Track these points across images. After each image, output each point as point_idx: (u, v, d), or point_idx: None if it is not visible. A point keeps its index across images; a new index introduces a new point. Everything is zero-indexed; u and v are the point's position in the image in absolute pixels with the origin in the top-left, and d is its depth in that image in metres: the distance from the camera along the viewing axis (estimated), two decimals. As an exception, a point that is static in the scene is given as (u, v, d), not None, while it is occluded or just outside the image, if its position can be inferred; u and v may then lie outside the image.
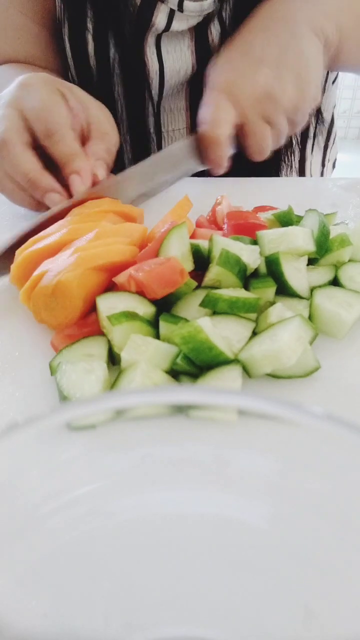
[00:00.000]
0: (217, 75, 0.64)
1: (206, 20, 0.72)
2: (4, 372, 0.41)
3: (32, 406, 0.39)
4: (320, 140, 0.87)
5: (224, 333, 0.40)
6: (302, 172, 0.88)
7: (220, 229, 0.54)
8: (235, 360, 0.38)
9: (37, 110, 0.58)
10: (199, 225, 0.55)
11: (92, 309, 0.44)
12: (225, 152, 0.63)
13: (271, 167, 0.78)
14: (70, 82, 0.79)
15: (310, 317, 0.43)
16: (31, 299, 0.44)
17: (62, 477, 0.23)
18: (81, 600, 0.22)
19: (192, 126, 0.80)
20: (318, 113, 0.83)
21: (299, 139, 0.83)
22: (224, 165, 0.65)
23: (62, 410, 0.20)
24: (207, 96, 0.63)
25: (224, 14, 0.72)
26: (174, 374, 0.39)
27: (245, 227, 0.50)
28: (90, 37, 0.73)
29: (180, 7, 0.69)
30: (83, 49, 0.74)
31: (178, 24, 0.71)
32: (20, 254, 0.48)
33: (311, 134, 0.84)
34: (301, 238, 0.46)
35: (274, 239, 0.46)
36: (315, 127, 0.84)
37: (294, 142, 0.82)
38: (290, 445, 0.22)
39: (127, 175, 0.62)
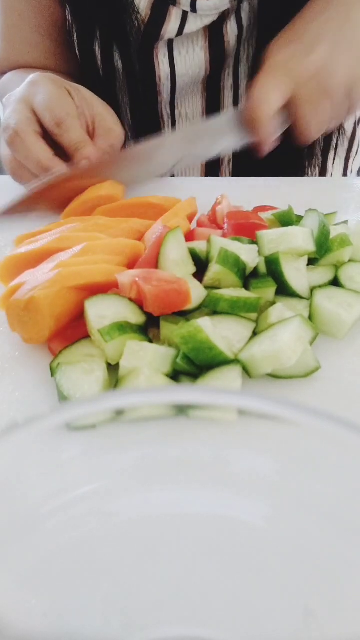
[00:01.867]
0: (271, 54, 0.64)
1: (221, 20, 0.71)
2: (4, 372, 0.41)
3: (32, 406, 0.39)
4: (342, 151, 0.87)
5: (224, 333, 0.40)
6: None
7: (220, 228, 0.54)
8: (235, 361, 0.38)
9: (45, 102, 0.60)
10: (199, 224, 0.55)
11: (69, 324, 0.43)
12: (270, 129, 0.62)
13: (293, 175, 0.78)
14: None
15: (310, 318, 0.43)
16: (6, 308, 0.43)
17: (62, 477, 0.23)
18: (81, 600, 0.22)
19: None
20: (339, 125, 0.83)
21: (321, 147, 0.82)
22: (269, 142, 0.64)
23: (62, 410, 0.20)
24: (260, 74, 0.63)
25: (242, 14, 0.71)
26: (174, 374, 0.39)
27: (245, 227, 0.50)
28: (98, 48, 0.74)
29: (194, 7, 0.69)
30: (92, 59, 0.75)
31: (191, 26, 0.71)
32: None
33: (333, 146, 0.83)
34: (301, 238, 0.46)
35: (274, 239, 0.46)
36: (337, 139, 0.83)
37: (317, 151, 0.81)
38: (290, 445, 0.22)
39: (159, 142, 0.62)
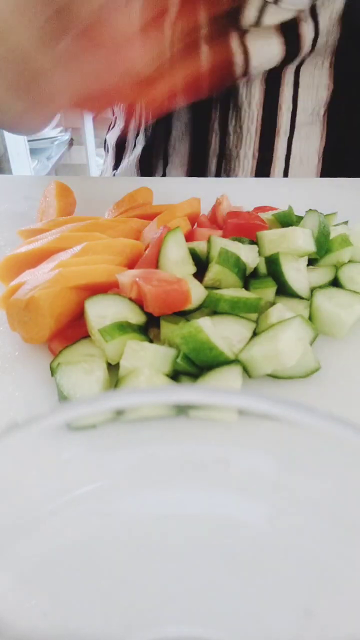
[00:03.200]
0: None
1: (298, 20, 0.69)
2: (4, 372, 0.41)
3: (32, 406, 0.39)
4: None
5: (224, 333, 0.40)
6: None
7: (220, 228, 0.54)
8: (235, 361, 0.38)
9: None
10: (199, 225, 0.56)
11: (69, 323, 0.43)
12: None
13: None
14: None
15: (310, 318, 0.43)
16: (6, 308, 0.43)
17: (62, 477, 0.23)
18: (81, 600, 0.22)
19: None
20: None
21: None
22: None
23: (62, 410, 0.20)
24: None
25: (320, 18, 0.69)
26: (174, 374, 0.39)
27: (245, 227, 0.50)
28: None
29: None
30: None
31: (270, 18, 0.68)
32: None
33: None
34: (301, 238, 0.46)
35: (274, 239, 0.46)
36: None
37: None
38: (290, 445, 0.22)
39: None
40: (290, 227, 0.47)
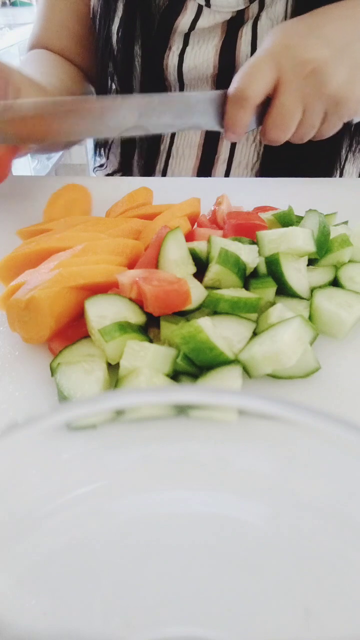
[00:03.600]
0: (271, 36, 0.60)
1: (238, 23, 0.71)
2: (4, 372, 0.41)
3: (32, 406, 0.39)
4: (357, 161, 0.84)
5: (224, 333, 0.40)
6: None
7: (220, 228, 0.54)
8: (235, 361, 0.38)
9: None
10: (199, 224, 0.56)
11: (69, 323, 0.43)
12: (247, 116, 0.59)
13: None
14: (105, 78, 0.81)
15: (310, 318, 0.43)
16: (6, 308, 0.43)
17: (62, 477, 0.23)
18: (81, 599, 0.22)
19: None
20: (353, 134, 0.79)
21: (348, 151, 0.79)
22: (241, 131, 0.61)
23: (62, 410, 0.20)
24: (258, 53, 0.60)
25: (259, 22, 0.70)
26: (174, 374, 0.39)
27: (245, 227, 0.50)
28: (115, 29, 0.75)
29: (208, 2, 0.68)
30: (108, 39, 0.76)
31: (205, 21, 0.70)
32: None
33: (350, 150, 0.80)
34: (301, 238, 0.46)
35: (274, 239, 0.46)
36: (349, 150, 0.79)
37: (342, 154, 0.78)
38: (290, 445, 0.22)
39: (128, 101, 0.59)
40: (290, 227, 0.47)
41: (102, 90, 0.83)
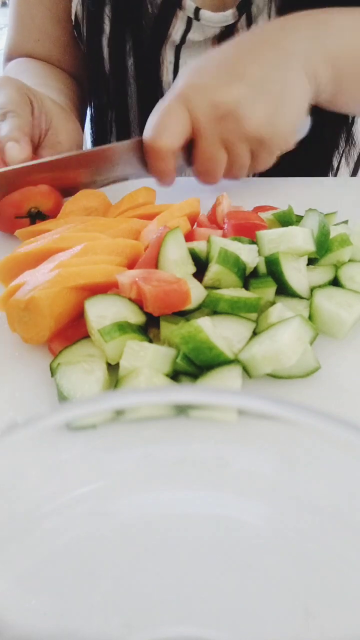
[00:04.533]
0: (182, 77, 0.57)
1: (229, 35, 0.70)
2: (4, 372, 0.41)
3: (32, 406, 0.39)
4: (351, 160, 0.83)
5: (224, 333, 0.40)
6: None
7: (220, 228, 0.54)
8: (235, 361, 0.38)
9: (1, 104, 0.58)
10: (199, 224, 0.55)
11: (69, 324, 0.43)
12: (168, 166, 0.57)
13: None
14: (86, 87, 0.80)
15: (310, 317, 0.43)
16: (6, 308, 0.42)
17: (62, 477, 0.23)
18: (81, 600, 0.22)
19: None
20: (348, 135, 0.77)
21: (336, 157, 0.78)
22: (169, 179, 0.59)
23: (62, 410, 0.20)
24: (164, 100, 0.56)
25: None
26: (174, 374, 0.39)
27: (245, 227, 0.50)
28: (105, 42, 0.73)
29: (197, 15, 0.68)
30: (98, 54, 0.75)
31: (195, 35, 0.70)
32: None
33: (341, 153, 0.79)
34: (301, 238, 0.46)
35: (273, 239, 0.46)
36: (344, 150, 0.78)
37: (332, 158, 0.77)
38: (290, 445, 0.22)
39: (64, 160, 0.57)
40: (289, 227, 0.47)
41: (99, 102, 0.82)
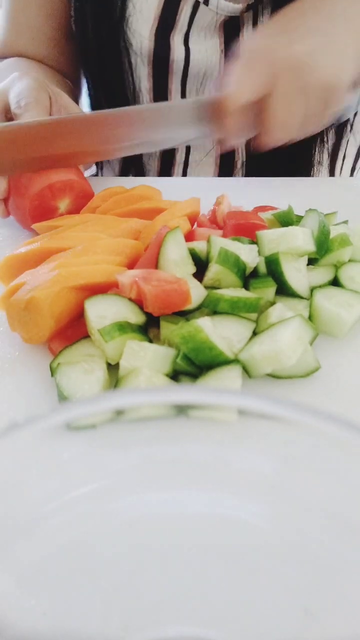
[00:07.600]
0: (250, 42, 0.59)
1: (237, 24, 0.70)
2: (4, 372, 0.41)
3: (32, 406, 0.39)
4: (351, 152, 0.83)
5: (224, 333, 0.40)
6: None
7: (220, 228, 0.54)
8: (235, 360, 0.38)
9: (20, 92, 0.59)
10: (199, 224, 0.55)
11: (69, 324, 0.43)
12: (240, 122, 0.57)
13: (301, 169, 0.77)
14: (80, 82, 0.80)
15: (310, 317, 0.43)
16: (6, 308, 0.42)
17: (62, 477, 0.23)
18: (81, 600, 0.22)
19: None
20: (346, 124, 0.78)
21: (329, 151, 0.79)
22: (235, 138, 0.59)
23: (62, 410, 0.20)
24: (237, 61, 0.57)
25: (258, 21, 0.70)
26: (174, 374, 0.39)
27: (245, 227, 0.50)
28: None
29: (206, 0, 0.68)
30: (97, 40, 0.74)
31: (201, 19, 0.70)
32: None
33: (341, 147, 0.80)
34: (301, 238, 0.46)
35: (273, 239, 0.46)
36: (346, 141, 0.79)
37: (324, 154, 0.78)
38: (290, 445, 0.22)
39: (116, 114, 0.57)
40: (289, 227, 0.47)
41: (97, 100, 0.82)
